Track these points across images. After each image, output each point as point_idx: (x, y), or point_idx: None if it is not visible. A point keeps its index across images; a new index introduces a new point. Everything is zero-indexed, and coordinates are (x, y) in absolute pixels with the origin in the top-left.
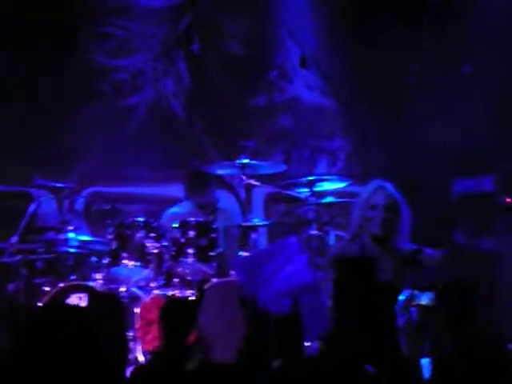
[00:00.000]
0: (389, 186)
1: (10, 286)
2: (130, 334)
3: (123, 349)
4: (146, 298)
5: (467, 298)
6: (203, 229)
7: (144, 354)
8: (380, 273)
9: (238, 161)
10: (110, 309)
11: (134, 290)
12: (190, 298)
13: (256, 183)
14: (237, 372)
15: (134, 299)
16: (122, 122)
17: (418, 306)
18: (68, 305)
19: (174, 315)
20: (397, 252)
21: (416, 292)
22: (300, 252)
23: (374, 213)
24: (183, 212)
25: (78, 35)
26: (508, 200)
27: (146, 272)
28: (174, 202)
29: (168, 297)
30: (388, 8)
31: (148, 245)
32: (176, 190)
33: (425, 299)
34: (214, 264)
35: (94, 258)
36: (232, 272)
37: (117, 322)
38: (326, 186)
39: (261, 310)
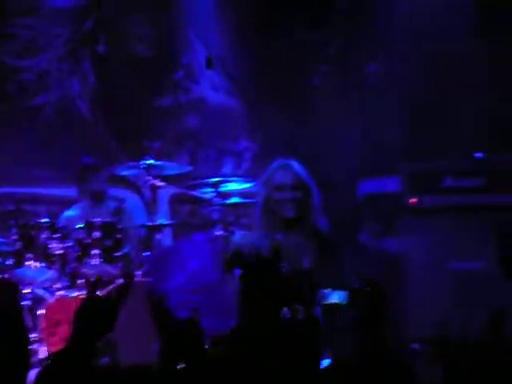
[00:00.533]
0: (294, 163)
1: None
2: (35, 335)
3: (24, 351)
4: (51, 300)
5: (379, 300)
6: (108, 229)
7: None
8: (297, 261)
9: (143, 161)
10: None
11: (39, 291)
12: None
13: (161, 184)
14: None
15: (39, 300)
16: (28, 123)
17: (326, 305)
18: None
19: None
20: (316, 233)
21: (326, 291)
22: (204, 248)
23: (281, 194)
24: (78, 214)
25: None
26: (412, 200)
27: (51, 273)
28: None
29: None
30: (295, 9)
31: (52, 246)
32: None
33: (335, 298)
34: (119, 265)
35: None
36: (137, 273)
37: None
38: (232, 186)
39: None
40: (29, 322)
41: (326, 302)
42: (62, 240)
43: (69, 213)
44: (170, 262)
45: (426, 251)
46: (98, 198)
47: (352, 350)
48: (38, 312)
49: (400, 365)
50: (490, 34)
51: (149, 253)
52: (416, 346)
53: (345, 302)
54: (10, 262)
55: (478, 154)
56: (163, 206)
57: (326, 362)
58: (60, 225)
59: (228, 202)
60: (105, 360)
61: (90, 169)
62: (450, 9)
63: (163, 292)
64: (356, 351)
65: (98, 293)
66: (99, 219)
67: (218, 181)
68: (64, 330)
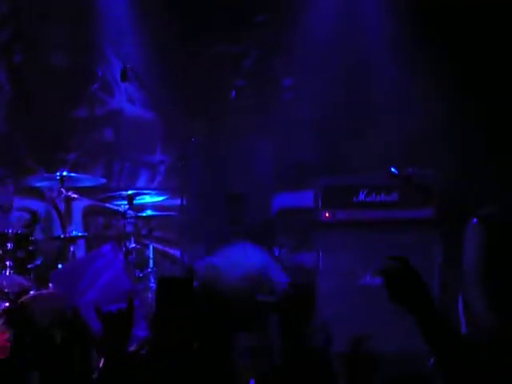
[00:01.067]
0: None
1: None
2: None
3: None
4: None
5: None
6: (21, 241)
7: None
8: None
9: (57, 173)
10: None
11: None
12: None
13: (75, 196)
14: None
15: None
16: None
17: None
18: None
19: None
20: None
21: None
22: (115, 259)
23: None
24: None
25: None
26: (326, 215)
27: None
28: None
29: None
30: (212, 22)
31: None
32: None
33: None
34: (32, 276)
35: None
36: (50, 284)
37: None
38: (145, 199)
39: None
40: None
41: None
42: None
43: None
44: (79, 275)
45: (339, 266)
46: (3, 210)
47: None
48: None
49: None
50: (402, 45)
51: (63, 265)
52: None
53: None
54: None
55: (393, 169)
56: (77, 217)
57: None
58: None
59: (142, 214)
60: None
61: None
62: (364, 22)
63: (74, 305)
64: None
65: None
66: (12, 230)
67: (131, 193)
68: None
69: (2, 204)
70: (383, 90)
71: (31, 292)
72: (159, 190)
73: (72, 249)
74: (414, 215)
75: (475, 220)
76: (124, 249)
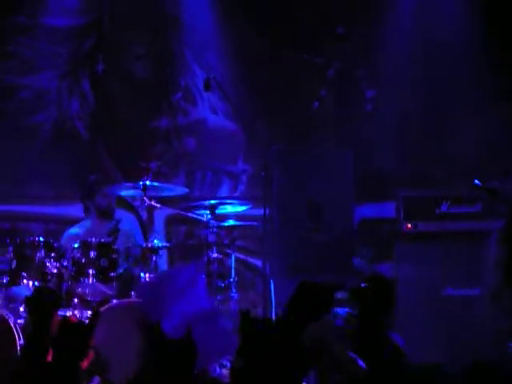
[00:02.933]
0: None
1: None
2: None
3: None
4: None
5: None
6: (104, 249)
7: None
8: None
9: (140, 182)
10: None
11: None
12: (82, 321)
13: (157, 205)
14: None
15: None
16: (26, 141)
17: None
18: None
19: (66, 339)
20: None
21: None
22: (199, 279)
23: None
24: (82, 232)
25: None
26: (408, 226)
27: None
28: (76, 221)
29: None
30: (295, 32)
31: (48, 265)
32: (78, 209)
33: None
34: (115, 285)
35: None
36: (132, 293)
37: None
38: (228, 209)
39: (160, 334)
40: (22, 340)
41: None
42: (57, 259)
43: (73, 230)
44: (162, 292)
45: (421, 277)
46: (106, 215)
47: None
48: None
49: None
50: (491, 61)
51: (146, 274)
52: None
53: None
54: (5, 280)
55: (477, 181)
56: (159, 227)
57: None
58: (63, 240)
59: (224, 224)
60: (95, 381)
61: (97, 185)
62: (450, 35)
63: (157, 317)
64: None
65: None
66: (95, 239)
67: (214, 203)
68: None
69: (105, 208)
70: (463, 99)
71: (113, 301)
72: (242, 200)
73: (154, 258)
74: (498, 226)
75: None
76: (206, 258)
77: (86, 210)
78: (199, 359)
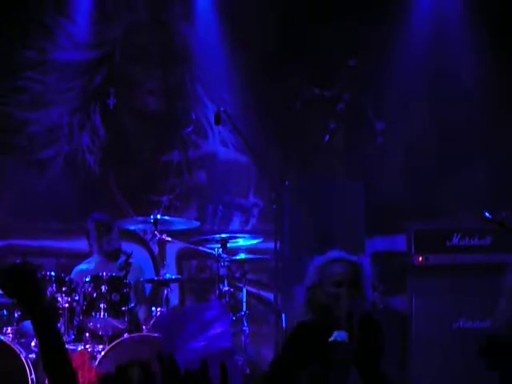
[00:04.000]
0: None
1: None
2: None
3: None
4: None
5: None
6: (115, 283)
7: None
8: None
9: (151, 216)
10: None
11: None
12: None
13: (168, 239)
14: None
15: None
16: (36, 174)
17: (334, 342)
18: None
19: None
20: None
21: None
22: (222, 316)
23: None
24: (92, 268)
25: None
26: (420, 259)
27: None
28: (86, 256)
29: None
30: (305, 66)
31: (59, 299)
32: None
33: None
34: (126, 319)
35: (4, 312)
36: (144, 327)
37: None
38: (239, 242)
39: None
40: (34, 375)
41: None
42: (69, 293)
43: (83, 266)
44: (183, 324)
45: (432, 309)
46: (112, 256)
47: None
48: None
49: None
50: (505, 96)
51: (157, 308)
52: None
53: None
54: (16, 314)
55: (487, 213)
56: (171, 260)
57: None
58: (73, 276)
59: (235, 257)
60: None
61: (102, 225)
62: (462, 69)
63: (171, 350)
64: None
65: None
66: (106, 273)
67: (225, 236)
68: None
69: (111, 251)
70: (474, 132)
71: (125, 335)
72: (253, 233)
73: (165, 292)
74: (509, 259)
75: None
76: (217, 292)
77: (90, 247)
78: None
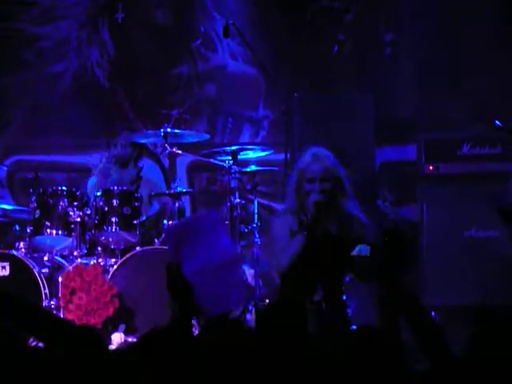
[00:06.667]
0: (325, 155)
1: None
2: (53, 302)
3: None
4: (69, 267)
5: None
6: (127, 197)
7: None
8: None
9: (161, 129)
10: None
11: (58, 258)
12: None
13: (179, 152)
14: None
15: (58, 268)
16: (46, 90)
17: (359, 256)
18: None
19: None
20: (344, 215)
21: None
22: (219, 225)
23: (311, 186)
24: (97, 178)
25: (1, 2)
26: (430, 168)
27: (69, 241)
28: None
29: None
30: None
31: (71, 214)
32: (99, 158)
33: (358, 251)
34: (138, 232)
35: (17, 227)
36: (156, 240)
37: None
38: (249, 154)
39: (183, 279)
40: (47, 289)
41: (357, 254)
42: (80, 208)
43: (95, 179)
44: (188, 235)
45: (443, 219)
46: (126, 164)
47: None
48: (58, 279)
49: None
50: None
51: (168, 221)
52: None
53: (368, 254)
54: (29, 229)
55: (497, 121)
56: (181, 173)
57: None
58: (88, 190)
59: (246, 169)
60: (121, 328)
61: (110, 131)
62: None
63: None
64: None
65: None
66: (117, 187)
67: (236, 149)
68: (80, 298)
69: (121, 157)
70: (484, 41)
71: (136, 249)
72: (263, 145)
73: (177, 204)
74: None
75: None
76: (229, 204)
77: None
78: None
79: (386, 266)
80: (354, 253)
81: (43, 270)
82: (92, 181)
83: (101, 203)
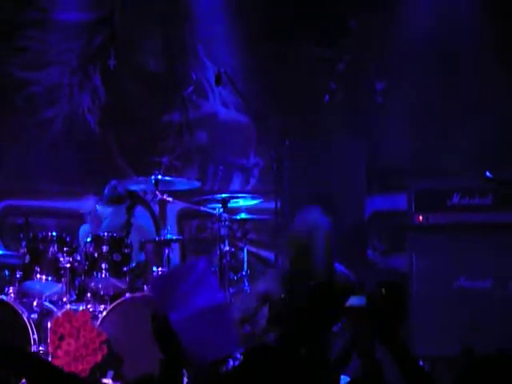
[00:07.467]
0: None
1: None
2: (42, 348)
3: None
4: (58, 313)
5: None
6: (116, 244)
7: None
8: None
9: (152, 176)
10: None
11: (47, 304)
12: None
13: (169, 199)
14: None
15: (47, 314)
16: (36, 136)
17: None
18: None
19: None
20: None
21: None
22: (209, 273)
23: None
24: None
25: None
26: (420, 218)
27: (59, 286)
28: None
29: None
30: (305, 27)
31: (61, 259)
32: (89, 204)
33: (354, 301)
34: (127, 279)
35: (6, 272)
36: (145, 287)
37: None
38: (240, 202)
39: (170, 330)
40: (36, 334)
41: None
42: (70, 253)
43: (87, 227)
44: (178, 283)
45: (433, 268)
46: (118, 201)
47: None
48: (47, 325)
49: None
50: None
51: (159, 268)
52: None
53: (363, 304)
54: (18, 275)
55: (488, 173)
56: (172, 221)
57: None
58: (80, 238)
59: (236, 217)
60: (109, 375)
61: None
62: (459, 27)
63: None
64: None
65: None
66: (107, 233)
67: (226, 196)
68: (68, 344)
69: (112, 196)
70: (476, 89)
71: (126, 295)
72: (253, 193)
73: (167, 252)
74: (509, 218)
75: None
76: (218, 252)
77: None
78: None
79: (384, 318)
80: (348, 303)
81: (32, 316)
82: (84, 228)
83: (91, 249)
